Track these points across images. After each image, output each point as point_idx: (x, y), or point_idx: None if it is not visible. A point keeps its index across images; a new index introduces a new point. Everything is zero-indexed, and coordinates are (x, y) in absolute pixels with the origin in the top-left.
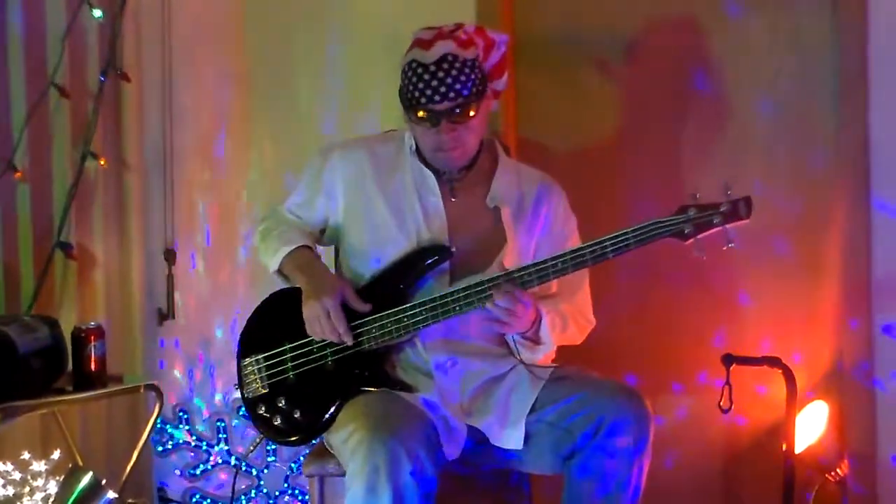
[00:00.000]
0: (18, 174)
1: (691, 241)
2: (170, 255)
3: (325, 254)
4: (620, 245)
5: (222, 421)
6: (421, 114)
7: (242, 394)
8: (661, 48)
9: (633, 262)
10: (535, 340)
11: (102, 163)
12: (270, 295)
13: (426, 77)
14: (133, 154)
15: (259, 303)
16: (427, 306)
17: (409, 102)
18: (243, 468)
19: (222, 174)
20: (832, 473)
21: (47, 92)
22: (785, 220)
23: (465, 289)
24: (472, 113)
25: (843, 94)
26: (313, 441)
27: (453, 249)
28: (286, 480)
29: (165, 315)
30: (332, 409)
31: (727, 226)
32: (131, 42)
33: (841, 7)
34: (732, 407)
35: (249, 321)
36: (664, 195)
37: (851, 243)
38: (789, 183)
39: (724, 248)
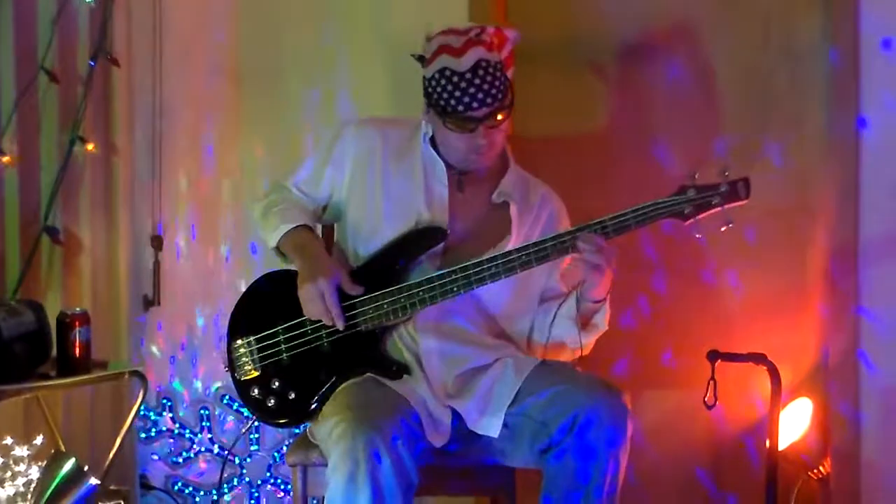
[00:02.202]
0: (6, 158)
1: (691, 221)
2: (156, 242)
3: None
4: (620, 224)
5: (206, 409)
6: (453, 124)
7: (233, 376)
8: (654, 48)
9: (618, 257)
10: (587, 322)
11: (91, 147)
12: (259, 278)
13: (462, 85)
14: (122, 140)
15: (249, 285)
16: (424, 287)
17: (444, 110)
18: (226, 456)
19: (211, 161)
20: (815, 471)
21: (36, 76)
22: (773, 217)
23: (463, 268)
24: (502, 116)
25: (834, 93)
26: (307, 423)
27: (448, 231)
28: (269, 469)
29: (151, 301)
30: (327, 390)
31: (725, 206)
32: (122, 27)
33: (833, 8)
34: (717, 403)
35: (239, 303)
36: (657, 193)
37: (838, 241)
38: (778, 181)
39: (723, 230)
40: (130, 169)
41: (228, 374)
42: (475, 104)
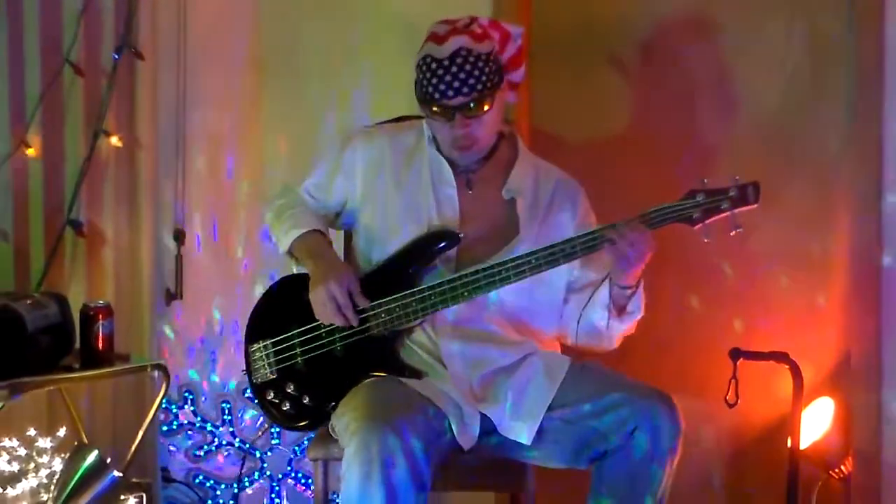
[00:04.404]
0: (31, 151)
1: (699, 226)
2: (179, 236)
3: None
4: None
5: (227, 402)
6: (435, 109)
7: (250, 379)
8: (676, 45)
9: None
10: (622, 310)
11: (115, 141)
12: (277, 281)
13: (440, 72)
14: (146, 133)
15: (266, 288)
16: (436, 290)
17: (424, 97)
18: (247, 450)
19: (234, 155)
20: (836, 470)
21: (62, 69)
22: (795, 216)
23: (473, 272)
24: (485, 107)
25: (858, 93)
26: (320, 427)
27: (461, 235)
28: (290, 464)
29: (173, 295)
30: (341, 395)
31: (735, 211)
32: (147, 20)
33: (857, 7)
34: (739, 401)
35: (257, 307)
36: (676, 190)
37: (861, 240)
38: (801, 179)
39: (732, 234)
40: (154, 162)
41: (245, 377)
42: (450, 92)
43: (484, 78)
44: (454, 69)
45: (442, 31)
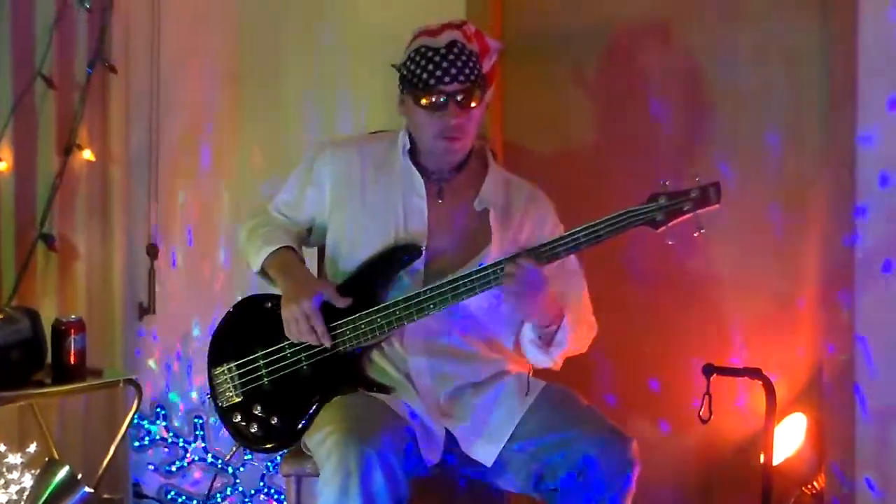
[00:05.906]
0: (2, 164)
1: (663, 228)
2: (152, 250)
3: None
4: (592, 235)
5: (199, 418)
6: (425, 100)
7: (216, 403)
8: (645, 55)
9: (612, 271)
10: (550, 341)
11: (87, 155)
12: (237, 303)
13: (436, 59)
14: (118, 147)
15: (226, 311)
16: (400, 306)
17: (416, 87)
18: (219, 466)
19: (208, 170)
20: (809, 486)
21: (34, 82)
22: (768, 230)
23: (438, 286)
24: (474, 103)
25: (832, 106)
26: (289, 448)
27: (423, 249)
28: (262, 479)
29: (146, 309)
30: (310, 414)
31: (698, 212)
32: (120, 34)
33: (831, 19)
34: (712, 417)
35: (218, 330)
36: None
37: (834, 254)
38: (773, 193)
39: (695, 235)
40: (127, 176)
41: (210, 402)
42: (447, 78)
43: (477, 71)
44: (451, 57)
45: (435, 26)
